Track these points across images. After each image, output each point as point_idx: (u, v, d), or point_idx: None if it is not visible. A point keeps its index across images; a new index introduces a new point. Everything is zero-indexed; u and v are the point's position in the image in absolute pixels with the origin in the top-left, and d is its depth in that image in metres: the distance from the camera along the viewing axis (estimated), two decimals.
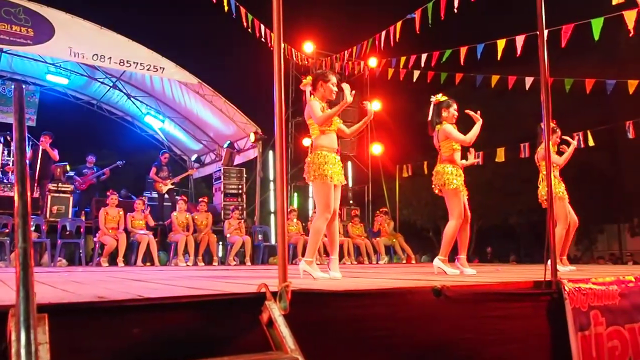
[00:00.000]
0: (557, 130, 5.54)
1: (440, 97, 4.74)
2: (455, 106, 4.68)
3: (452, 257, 4.65)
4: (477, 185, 18.65)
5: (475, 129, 4.57)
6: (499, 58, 7.78)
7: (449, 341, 2.46)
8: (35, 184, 9.30)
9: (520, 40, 7.44)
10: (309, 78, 4.09)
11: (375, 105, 13.81)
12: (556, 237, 5.36)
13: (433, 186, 4.65)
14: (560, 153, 5.61)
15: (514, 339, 2.62)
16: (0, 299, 1.78)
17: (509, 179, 16.81)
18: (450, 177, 4.51)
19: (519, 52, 7.55)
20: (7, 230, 7.99)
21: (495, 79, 9.17)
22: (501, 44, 7.76)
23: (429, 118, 4.76)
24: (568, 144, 5.59)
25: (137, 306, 1.78)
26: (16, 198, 1.21)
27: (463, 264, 4.54)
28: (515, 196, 17.29)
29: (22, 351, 1.00)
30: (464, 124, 4.70)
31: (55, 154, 9.17)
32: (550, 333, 2.73)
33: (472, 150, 4.99)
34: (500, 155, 11.27)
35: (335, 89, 4.02)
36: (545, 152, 3.09)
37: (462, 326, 2.52)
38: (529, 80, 8.70)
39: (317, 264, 3.84)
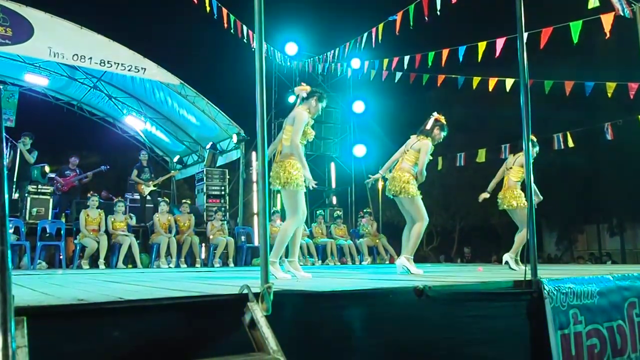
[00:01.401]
0: (536, 144, 5.66)
1: (442, 117, 4.96)
2: (445, 134, 4.95)
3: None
4: (458, 186, 18.85)
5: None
6: (479, 60, 7.87)
7: (430, 340, 2.49)
8: (14, 186, 9.15)
9: (500, 42, 7.53)
10: (308, 87, 4.19)
11: (358, 107, 13.87)
12: (519, 239, 5.63)
13: (388, 190, 4.77)
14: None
15: (494, 337, 2.65)
16: None
17: (491, 179, 16.95)
18: (406, 185, 4.70)
19: (497, 53, 7.64)
20: None
21: (476, 80, 9.25)
22: (482, 46, 7.85)
23: (427, 127, 4.91)
24: None
25: (118, 308, 1.76)
26: None
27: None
28: (496, 197, 17.47)
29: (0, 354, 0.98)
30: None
31: (30, 157, 9.00)
32: (530, 332, 2.77)
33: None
34: (482, 156, 11.38)
35: (320, 112, 4.23)
36: (525, 153, 3.13)
37: (443, 325, 2.55)
38: (509, 82, 8.80)
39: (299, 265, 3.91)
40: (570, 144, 9.63)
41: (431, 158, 4.87)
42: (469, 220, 20.49)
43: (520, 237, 5.68)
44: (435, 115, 4.95)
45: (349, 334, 2.26)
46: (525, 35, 3.28)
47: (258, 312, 1.94)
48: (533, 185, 5.36)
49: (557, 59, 12.50)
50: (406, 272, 4.49)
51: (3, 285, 1.08)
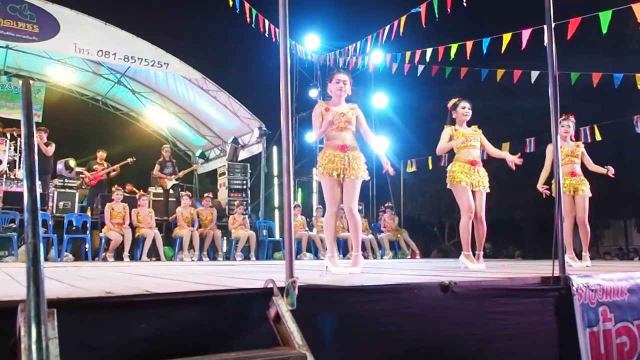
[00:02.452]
0: (572, 118, 5.54)
1: (452, 100, 4.86)
2: (462, 104, 4.78)
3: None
4: None
5: (501, 155, 4.90)
6: (502, 51, 7.73)
7: (456, 336, 2.45)
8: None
9: (526, 34, 7.39)
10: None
11: (379, 100, 13.78)
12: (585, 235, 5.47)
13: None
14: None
15: (521, 334, 2.61)
16: (9, 294, 1.78)
17: (514, 173, 16.69)
18: (452, 174, 4.61)
19: (524, 45, 7.50)
20: (14, 226, 8.03)
21: (500, 73, 9.10)
22: (507, 37, 7.70)
23: (448, 122, 4.86)
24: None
25: (144, 301, 1.78)
26: (25, 194, 1.20)
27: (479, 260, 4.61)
28: (520, 191, 17.18)
29: (33, 347, 0.99)
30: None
31: (47, 150, 9.14)
32: (558, 329, 2.71)
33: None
34: (505, 149, 11.19)
35: (341, 85, 3.97)
36: (554, 146, 3.07)
37: (469, 321, 2.51)
38: (534, 74, 8.64)
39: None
40: (598, 137, 9.42)
41: (464, 140, 4.73)
42: (490, 215, 20.20)
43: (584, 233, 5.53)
44: (449, 105, 4.90)
45: (374, 329, 2.24)
46: (553, 25, 3.21)
47: (283, 306, 1.93)
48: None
49: (584, 49, 12.22)
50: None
51: (36, 278, 1.09)
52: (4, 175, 9.53)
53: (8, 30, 9.21)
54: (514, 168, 4.73)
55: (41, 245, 1.18)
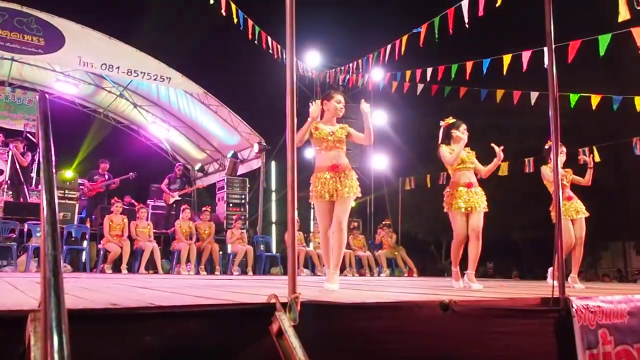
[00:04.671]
0: (563, 148, 5.58)
1: (450, 120, 4.85)
2: (463, 126, 4.78)
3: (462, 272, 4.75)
4: None
5: (493, 165, 4.83)
6: (504, 73, 7.81)
7: (456, 356, 2.46)
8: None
9: (526, 55, 7.48)
10: (316, 101, 4.11)
11: (378, 118, 13.86)
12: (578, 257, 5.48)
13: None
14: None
15: (521, 355, 2.61)
16: (16, 304, 1.79)
17: (512, 193, 16.77)
18: (449, 200, 4.68)
19: (524, 67, 7.58)
20: (14, 236, 8.03)
21: (500, 93, 9.18)
22: (507, 59, 7.79)
23: (440, 141, 4.84)
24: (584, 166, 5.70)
25: (149, 314, 1.79)
26: (44, 206, 1.23)
27: (470, 279, 4.57)
28: (518, 211, 17.22)
29: (56, 356, 1.01)
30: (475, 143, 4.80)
31: (23, 160, 9.21)
32: (557, 351, 2.72)
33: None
34: (504, 169, 11.27)
35: (340, 106, 4.07)
36: (554, 167, 3.10)
37: (469, 341, 2.52)
38: (534, 95, 8.72)
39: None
40: (597, 158, 9.48)
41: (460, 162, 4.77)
42: (489, 235, 20.21)
43: (576, 254, 5.58)
44: (442, 124, 4.86)
45: (375, 346, 2.25)
46: (553, 47, 3.26)
47: (286, 321, 1.94)
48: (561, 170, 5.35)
49: (583, 71, 12.36)
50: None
51: (57, 288, 1.11)
52: (5, 185, 9.54)
53: (14, 43, 9.31)
54: (502, 157, 4.75)
55: (59, 256, 1.20)
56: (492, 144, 4.73)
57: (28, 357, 1.24)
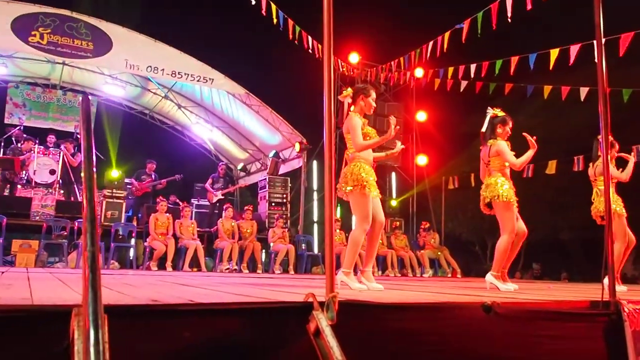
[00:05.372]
0: (615, 144, 5.34)
1: (499, 112, 4.64)
2: (511, 124, 4.58)
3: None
4: (525, 199, 18.13)
5: (528, 155, 4.43)
6: (551, 68, 7.57)
7: (497, 359, 2.39)
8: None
9: (574, 49, 7.23)
10: (350, 90, 4.06)
11: (421, 116, 13.69)
12: (614, 255, 5.23)
13: (482, 199, 4.54)
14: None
15: None
16: (62, 299, 1.85)
17: (561, 192, 16.26)
18: (502, 190, 4.39)
19: (572, 61, 7.33)
20: (65, 233, 8.35)
21: (547, 89, 8.91)
22: (554, 53, 7.55)
23: (483, 129, 4.65)
24: (626, 161, 5.39)
25: (188, 310, 1.82)
26: (85, 204, 1.26)
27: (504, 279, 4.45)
28: (567, 211, 16.66)
29: (92, 350, 1.03)
30: (516, 142, 4.61)
31: (73, 160, 9.56)
32: (607, 356, 2.60)
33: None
34: (552, 167, 10.93)
35: (374, 104, 4.04)
36: (604, 165, 2.98)
37: (512, 344, 2.45)
38: (583, 91, 8.42)
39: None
40: None
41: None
42: (536, 235, 19.66)
43: (616, 254, 5.30)
44: (490, 112, 4.61)
45: (413, 347, 2.21)
46: (603, 40, 3.13)
47: (323, 321, 1.93)
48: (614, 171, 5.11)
49: (637, 65, 11.86)
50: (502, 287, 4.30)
51: (94, 284, 1.14)
52: (57, 185, 9.94)
53: (65, 48, 9.68)
54: (536, 146, 4.47)
55: (98, 253, 1.23)
56: (524, 134, 4.48)
57: (72, 351, 1.27)
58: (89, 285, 1.16)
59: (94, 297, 1.13)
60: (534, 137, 4.45)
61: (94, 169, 1.33)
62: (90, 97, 12.68)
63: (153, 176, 10.59)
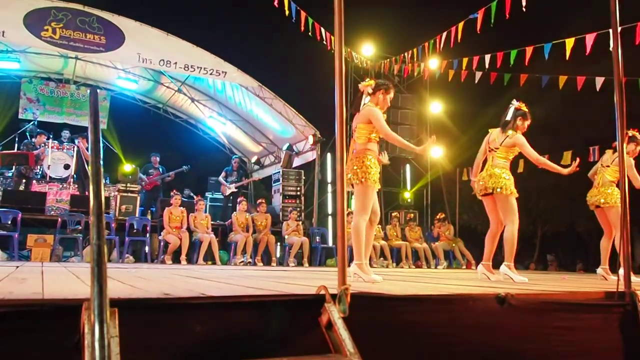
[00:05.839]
0: (638, 138, 5.24)
1: (523, 106, 4.68)
2: (529, 121, 4.65)
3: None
4: (540, 190, 17.97)
5: (554, 166, 4.69)
6: (567, 58, 7.46)
7: (512, 351, 2.37)
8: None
9: (590, 38, 7.11)
10: (372, 81, 4.10)
11: (435, 108, 13.60)
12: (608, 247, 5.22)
13: (483, 186, 4.58)
14: None
15: (582, 352, 2.49)
16: (74, 293, 1.87)
17: (577, 183, 16.04)
18: (506, 182, 4.49)
19: (588, 50, 7.21)
20: (80, 228, 8.44)
21: (562, 79, 8.78)
22: (570, 42, 7.43)
23: (507, 118, 4.64)
24: None
25: (200, 304, 1.82)
26: (91, 197, 1.27)
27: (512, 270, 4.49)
28: (583, 201, 16.48)
29: (96, 344, 1.04)
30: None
31: (88, 154, 9.63)
32: (622, 348, 2.57)
33: None
34: (567, 158, 10.79)
35: (389, 103, 4.13)
36: (619, 155, 2.93)
37: (526, 336, 2.42)
38: (599, 81, 8.28)
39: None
40: None
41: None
42: (552, 226, 19.48)
43: (606, 244, 5.32)
44: (515, 104, 4.65)
45: (426, 339, 2.20)
46: (619, 29, 3.07)
47: (335, 313, 1.93)
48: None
49: None
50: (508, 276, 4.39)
51: (100, 278, 1.15)
52: (72, 180, 10.04)
53: (78, 42, 9.74)
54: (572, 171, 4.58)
55: (105, 247, 1.23)
56: (576, 163, 4.64)
57: (82, 344, 1.28)
58: (94, 279, 1.16)
59: (99, 291, 1.13)
60: (577, 164, 4.58)
61: (102, 163, 1.33)
62: (104, 91, 12.85)
63: (160, 169, 10.68)
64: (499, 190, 4.47)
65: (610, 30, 3.05)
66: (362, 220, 3.82)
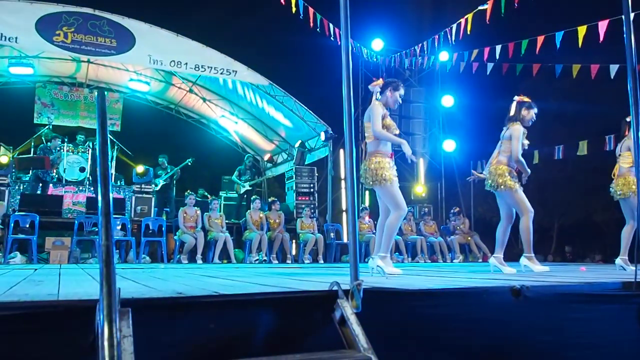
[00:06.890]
0: None
1: (526, 98, 4.72)
2: (536, 110, 4.66)
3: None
4: (556, 181, 17.78)
5: (527, 172, 4.63)
6: (580, 45, 7.35)
7: (529, 343, 2.35)
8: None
9: (603, 25, 7.00)
10: (381, 80, 4.20)
11: (447, 101, 13.51)
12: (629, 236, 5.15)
13: (489, 185, 4.62)
14: None
15: (601, 343, 2.46)
16: (88, 293, 1.89)
17: (593, 173, 15.88)
18: (506, 178, 4.51)
19: (601, 38, 7.10)
20: (96, 229, 8.53)
21: (576, 68, 8.66)
22: (582, 30, 7.33)
23: (512, 114, 4.67)
24: None
25: (213, 302, 1.83)
26: (99, 198, 1.28)
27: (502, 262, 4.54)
28: (600, 191, 16.26)
29: (105, 343, 1.05)
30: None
31: None
32: None
33: None
34: (583, 148, 10.66)
35: (400, 100, 4.20)
36: (635, 143, 2.88)
37: (542, 328, 2.40)
38: (613, 68, 8.16)
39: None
40: None
41: (528, 142, 4.62)
42: (569, 217, 19.26)
43: (628, 234, 5.26)
44: (517, 98, 4.69)
45: (441, 333, 2.19)
46: (632, 15, 3.02)
47: (348, 309, 1.93)
48: None
49: None
50: (498, 270, 4.42)
51: (108, 278, 1.16)
52: (87, 182, 10.15)
53: (89, 46, 9.83)
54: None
55: (114, 247, 1.24)
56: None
57: (97, 344, 1.29)
58: (103, 279, 1.17)
59: (107, 291, 1.15)
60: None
61: (109, 164, 1.34)
62: (117, 94, 12.96)
63: (168, 168, 10.75)
64: (502, 187, 4.52)
65: (623, 16, 3.00)
66: (399, 217, 3.95)
